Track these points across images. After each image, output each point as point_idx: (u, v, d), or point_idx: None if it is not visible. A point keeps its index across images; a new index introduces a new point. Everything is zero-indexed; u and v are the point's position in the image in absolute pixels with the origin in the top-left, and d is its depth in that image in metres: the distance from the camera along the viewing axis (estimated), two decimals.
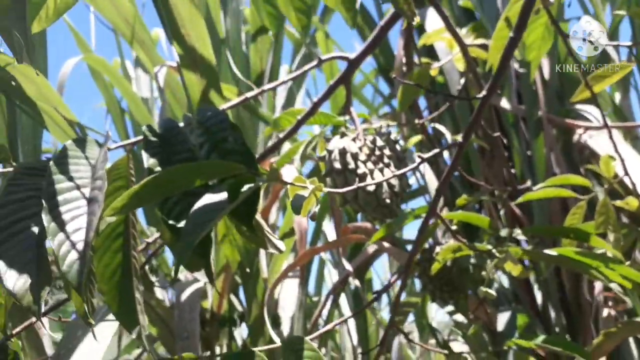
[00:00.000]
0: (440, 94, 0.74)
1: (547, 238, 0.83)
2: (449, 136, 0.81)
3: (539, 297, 1.07)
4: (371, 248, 1.16)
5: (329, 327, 0.54)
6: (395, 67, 0.81)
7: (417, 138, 0.65)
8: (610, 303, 0.90)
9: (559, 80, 1.05)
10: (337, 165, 0.59)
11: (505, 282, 1.15)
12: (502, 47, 0.57)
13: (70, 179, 0.44)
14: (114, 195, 0.52)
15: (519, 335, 0.80)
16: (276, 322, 1.21)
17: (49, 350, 0.80)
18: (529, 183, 0.88)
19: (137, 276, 0.56)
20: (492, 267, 0.60)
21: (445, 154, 0.98)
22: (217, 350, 1.27)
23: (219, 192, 0.42)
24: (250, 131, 1.32)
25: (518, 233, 0.63)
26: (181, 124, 0.53)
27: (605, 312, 0.90)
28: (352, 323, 1.33)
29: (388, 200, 0.57)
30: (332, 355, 1.82)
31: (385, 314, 1.89)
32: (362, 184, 0.50)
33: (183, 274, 1.20)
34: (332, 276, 1.66)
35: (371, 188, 0.57)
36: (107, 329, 0.65)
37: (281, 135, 0.70)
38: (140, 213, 0.87)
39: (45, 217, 0.40)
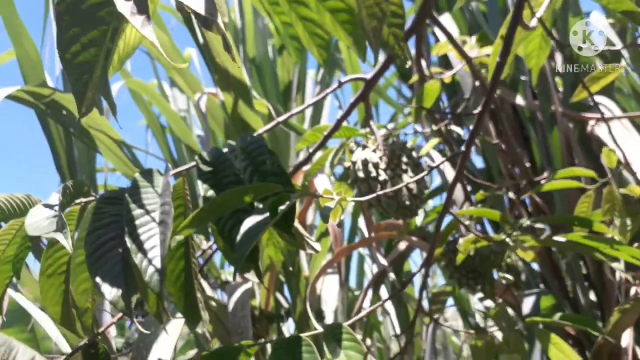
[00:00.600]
0: (441, 112, 0.81)
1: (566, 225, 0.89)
2: (463, 134, 0.88)
3: (568, 280, 1.12)
4: (403, 244, 1.24)
5: (364, 313, 0.63)
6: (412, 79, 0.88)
7: (433, 143, 0.72)
8: (637, 281, 0.95)
9: (573, 72, 1.10)
10: (361, 174, 0.67)
11: (536, 267, 1.20)
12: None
13: (142, 206, 0.54)
14: (176, 212, 0.62)
15: (543, 315, 0.86)
16: (320, 316, 1.30)
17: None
18: (545, 174, 0.93)
19: (197, 279, 0.66)
20: (507, 254, 0.67)
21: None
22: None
23: (263, 209, 0.52)
24: (282, 140, 1.42)
25: (527, 223, 0.70)
26: (225, 150, 0.63)
27: (633, 290, 0.95)
28: (394, 314, 1.41)
29: (407, 202, 0.65)
30: (378, 346, 1.90)
31: (425, 303, 1.96)
32: (382, 191, 0.59)
33: (231, 276, 1.31)
34: (372, 270, 1.74)
35: (390, 193, 0.65)
36: (174, 325, 0.76)
37: (311, 149, 0.79)
38: None
39: (127, 239, 0.50)
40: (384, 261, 1.22)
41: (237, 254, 0.49)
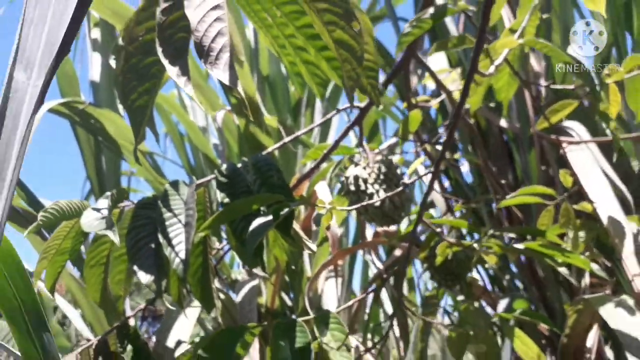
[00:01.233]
0: (421, 141, 0.94)
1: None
2: (446, 155, 1.00)
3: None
4: (399, 250, 1.36)
5: (351, 302, 0.75)
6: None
7: (418, 162, 0.84)
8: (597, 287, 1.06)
9: (554, 96, 1.22)
10: (352, 187, 0.80)
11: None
12: (472, 95, 0.77)
13: (171, 210, 0.67)
14: (198, 215, 0.75)
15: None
16: None
17: None
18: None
19: (212, 273, 0.79)
20: (475, 259, 0.80)
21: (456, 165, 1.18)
22: None
23: (268, 214, 0.65)
24: (292, 153, 1.55)
25: (491, 232, 0.82)
26: (239, 165, 0.76)
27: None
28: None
29: (390, 212, 0.78)
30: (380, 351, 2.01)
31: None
32: (366, 202, 0.72)
33: (240, 275, 1.44)
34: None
35: (377, 204, 0.78)
36: (192, 311, 0.89)
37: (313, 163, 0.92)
38: None
39: (160, 236, 0.64)
40: (380, 265, 1.34)
41: (246, 249, 0.62)
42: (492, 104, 1.22)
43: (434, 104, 0.96)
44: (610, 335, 1.10)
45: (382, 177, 0.80)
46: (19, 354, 0.63)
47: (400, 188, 0.71)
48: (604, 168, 0.96)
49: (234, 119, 1.26)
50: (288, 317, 0.67)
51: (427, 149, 0.96)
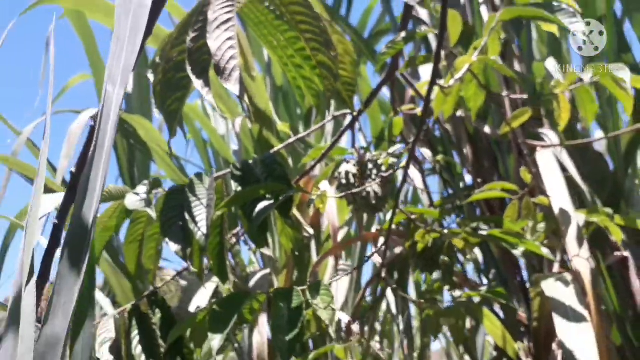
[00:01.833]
0: (407, 143, 1.10)
1: None
2: (428, 155, 1.16)
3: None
4: (399, 248, 1.51)
5: (341, 276, 0.91)
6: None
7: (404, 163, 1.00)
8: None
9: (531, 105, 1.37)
10: (343, 181, 0.96)
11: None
12: (443, 104, 0.93)
13: (195, 195, 0.84)
14: (217, 201, 0.93)
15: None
16: None
17: None
18: None
19: (227, 250, 0.96)
20: (447, 245, 0.95)
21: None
22: None
23: (271, 198, 0.81)
24: (301, 155, 1.73)
25: (460, 221, 0.96)
26: (250, 161, 0.93)
27: None
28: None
29: (374, 202, 0.94)
30: (388, 352, 2.15)
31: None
32: (352, 191, 0.88)
33: (252, 267, 1.61)
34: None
35: (364, 194, 0.94)
36: (210, 285, 1.07)
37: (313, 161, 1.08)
38: None
39: (186, 215, 0.81)
40: (379, 260, 1.49)
41: (253, 225, 0.79)
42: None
43: (419, 111, 1.12)
44: None
45: (368, 172, 0.96)
46: None
47: (379, 180, 0.87)
48: (568, 168, 1.11)
49: (249, 124, 1.44)
50: (287, 288, 0.84)
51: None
